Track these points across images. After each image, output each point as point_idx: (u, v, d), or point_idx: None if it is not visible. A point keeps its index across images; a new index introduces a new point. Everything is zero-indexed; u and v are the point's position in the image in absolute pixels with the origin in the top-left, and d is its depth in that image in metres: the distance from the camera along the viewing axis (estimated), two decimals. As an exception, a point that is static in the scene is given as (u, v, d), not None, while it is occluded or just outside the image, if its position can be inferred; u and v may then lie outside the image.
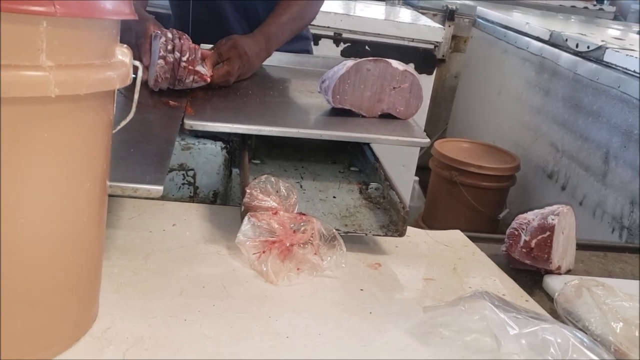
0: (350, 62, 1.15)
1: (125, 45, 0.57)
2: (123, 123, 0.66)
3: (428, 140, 1.09)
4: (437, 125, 3.62)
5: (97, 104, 0.54)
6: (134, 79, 0.61)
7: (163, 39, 1.12)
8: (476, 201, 2.52)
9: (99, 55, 0.53)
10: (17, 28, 0.45)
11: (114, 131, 0.64)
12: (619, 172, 2.06)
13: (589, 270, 1.06)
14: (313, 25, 1.96)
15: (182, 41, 1.14)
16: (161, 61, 1.11)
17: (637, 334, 0.78)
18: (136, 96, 0.63)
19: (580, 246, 1.08)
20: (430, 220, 2.73)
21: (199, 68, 1.15)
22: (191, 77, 1.15)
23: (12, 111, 0.47)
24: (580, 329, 0.78)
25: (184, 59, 1.12)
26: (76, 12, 0.47)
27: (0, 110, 0.46)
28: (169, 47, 1.12)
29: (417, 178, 2.85)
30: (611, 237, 2.00)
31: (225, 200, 1.13)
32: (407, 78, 1.15)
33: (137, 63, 0.60)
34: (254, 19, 1.48)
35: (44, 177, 0.51)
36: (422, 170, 2.72)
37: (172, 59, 1.12)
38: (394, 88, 1.15)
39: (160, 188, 0.78)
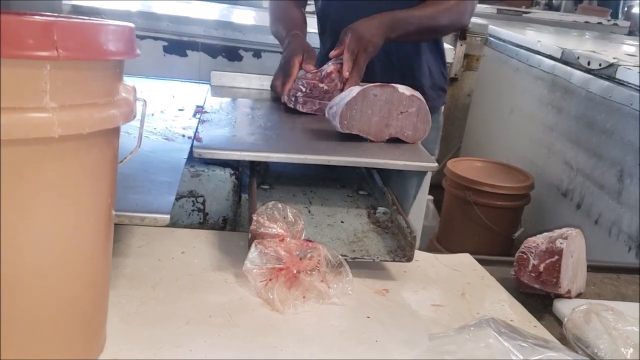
0: (357, 88, 1.16)
1: (129, 83, 0.59)
2: (129, 156, 0.67)
3: (436, 165, 1.09)
4: (450, 144, 3.61)
5: (101, 141, 0.56)
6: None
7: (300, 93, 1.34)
8: (491, 221, 2.50)
9: (102, 94, 0.54)
10: (21, 72, 0.47)
11: (120, 164, 0.65)
12: (634, 190, 2.04)
13: (601, 293, 1.05)
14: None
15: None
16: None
17: (648, 360, 0.77)
18: (141, 130, 0.65)
19: (592, 268, 1.07)
20: (445, 240, 2.71)
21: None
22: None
23: (17, 152, 0.48)
24: (590, 356, 0.78)
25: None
26: (78, 55, 0.49)
27: (4, 152, 0.47)
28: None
29: (431, 197, 2.84)
30: (627, 256, 1.97)
31: (234, 226, 1.14)
32: (414, 103, 1.16)
33: (142, 99, 0.62)
34: None
35: (49, 214, 0.53)
36: (437, 189, 2.71)
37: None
38: (401, 113, 1.16)
39: (167, 217, 0.79)
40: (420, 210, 1.14)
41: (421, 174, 1.10)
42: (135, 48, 0.57)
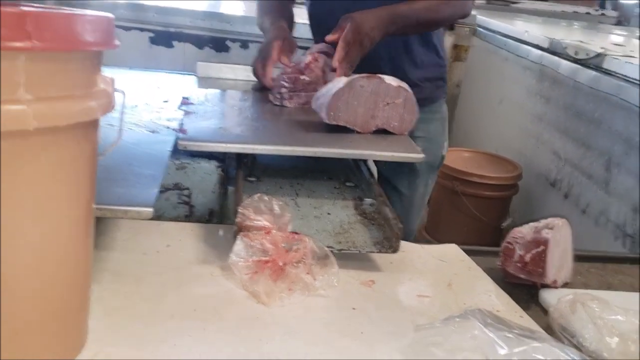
0: (344, 79, 1.15)
1: (107, 74, 0.58)
2: (110, 149, 0.66)
3: (422, 155, 1.09)
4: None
5: (79, 134, 0.55)
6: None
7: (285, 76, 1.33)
8: (479, 211, 2.51)
9: (79, 85, 0.53)
10: (-6, 63, 0.46)
11: (101, 157, 0.64)
12: (621, 180, 2.05)
13: (587, 282, 1.05)
14: (310, 39, 1.96)
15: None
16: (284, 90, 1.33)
17: (633, 349, 0.77)
18: (121, 122, 0.64)
19: (579, 258, 1.07)
20: (433, 230, 2.72)
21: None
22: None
23: (-9, 145, 0.47)
24: (575, 345, 0.78)
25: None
26: (54, 46, 0.48)
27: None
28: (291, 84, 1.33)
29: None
30: (614, 245, 1.99)
31: (221, 218, 1.14)
32: (401, 94, 1.15)
33: (121, 90, 0.61)
34: None
35: (27, 208, 0.52)
36: (425, 180, 2.71)
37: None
38: (387, 104, 1.15)
39: (150, 210, 0.79)
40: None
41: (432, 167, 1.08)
42: (113, 39, 0.56)
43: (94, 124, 0.58)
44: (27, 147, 0.49)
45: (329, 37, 1.32)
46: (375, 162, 1.44)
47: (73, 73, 0.52)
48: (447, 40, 3.41)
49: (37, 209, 0.53)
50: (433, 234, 2.68)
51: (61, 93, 0.50)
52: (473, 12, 3.62)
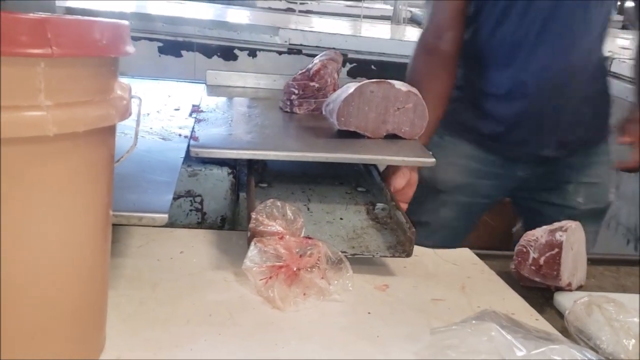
0: (353, 85, 1.16)
1: (124, 81, 0.58)
2: (126, 155, 0.67)
3: (433, 160, 1.09)
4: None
5: (97, 140, 0.55)
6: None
7: None
8: (488, 215, 2.50)
9: (97, 91, 0.54)
10: (15, 70, 0.46)
11: (117, 163, 0.65)
12: (632, 183, 2.04)
13: (601, 285, 1.05)
14: (317, 47, 1.98)
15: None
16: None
17: (650, 350, 0.77)
18: (137, 128, 0.64)
19: (592, 261, 1.07)
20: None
21: None
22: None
23: (12, 151, 0.48)
24: (592, 348, 0.78)
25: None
26: (73, 52, 0.48)
27: (3, 151, 0.47)
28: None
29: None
30: (626, 249, 1.98)
31: (233, 225, 1.14)
32: (411, 99, 1.15)
33: (138, 97, 0.61)
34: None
35: (45, 214, 0.52)
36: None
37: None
38: (398, 109, 1.16)
39: (165, 216, 0.79)
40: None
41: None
42: (130, 45, 0.57)
43: (111, 130, 0.59)
44: (46, 152, 0.50)
45: (620, 140, 1.26)
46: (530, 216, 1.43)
47: (92, 79, 0.53)
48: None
49: (56, 213, 0.53)
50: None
51: (80, 99, 0.51)
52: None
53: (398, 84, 1.15)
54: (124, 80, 0.61)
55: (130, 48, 0.56)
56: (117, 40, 0.54)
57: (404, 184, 1.17)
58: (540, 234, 0.97)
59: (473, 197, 1.46)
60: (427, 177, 1.44)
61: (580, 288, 0.99)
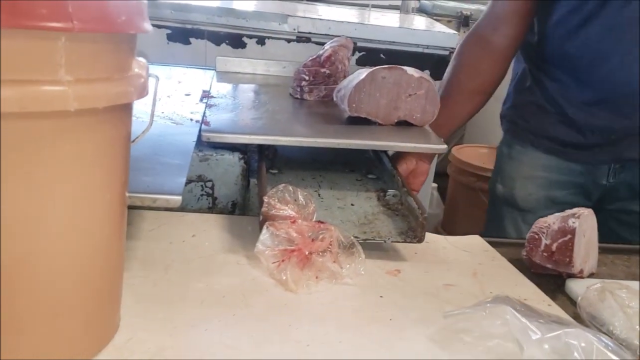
0: (365, 71, 1.15)
1: (141, 59, 0.58)
2: (142, 135, 0.67)
3: (445, 146, 1.08)
4: (454, 131, 3.60)
5: (115, 117, 0.55)
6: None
7: None
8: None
9: (116, 69, 0.54)
10: (36, 44, 0.46)
11: (133, 142, 0.65)
12: None
13: (612, 273, 1.05)
14: (326, 35, 1.97)
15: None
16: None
17: (663, 337, 0.77)
18: (153, 108, 0.64)
19: (603, 249, 1.07)
20: (450, 226, 2.72)
21: None
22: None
23: (32, 126, 0.48)
24: (605, 333, 0.78)
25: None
26: (94, 27, 0.48)
27: (20, 126, 0.47)
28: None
29: (435, 185, 2.84)
30: (637, 238, 1.97)
31: (243, 210, 1.14)
32: (423, 85, 1.15)
33: (155, 75, 0.61)
34: None
35: (65, 190, 0.52)
36: (441, 176, 2.70)
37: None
38: (409, 95, 1.15)
39: (179, 198, 0.79)
40: (425, 197, 1.13)
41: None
42: (147, 22, 0.56)
43: (128, 108, 0.59)
44: (67, 127, 0.50)
45: None
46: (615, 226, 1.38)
47: (112, 55, 0.52)
48: (462, 37, 3.40)
49: (76, 188, 0.53)
50: (449, 230, 2.67)
51: (100, 75, 0.51)
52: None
53: (410, 70, 1.15)
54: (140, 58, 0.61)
55: (148, 25, 0.56)
56: (136, 16, 0.54)
57: (407, 171, 1.16)
58: (552, 220, 0.97)
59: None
60: (505, 194, 1.40)
61: (591, 276, 0.99)
